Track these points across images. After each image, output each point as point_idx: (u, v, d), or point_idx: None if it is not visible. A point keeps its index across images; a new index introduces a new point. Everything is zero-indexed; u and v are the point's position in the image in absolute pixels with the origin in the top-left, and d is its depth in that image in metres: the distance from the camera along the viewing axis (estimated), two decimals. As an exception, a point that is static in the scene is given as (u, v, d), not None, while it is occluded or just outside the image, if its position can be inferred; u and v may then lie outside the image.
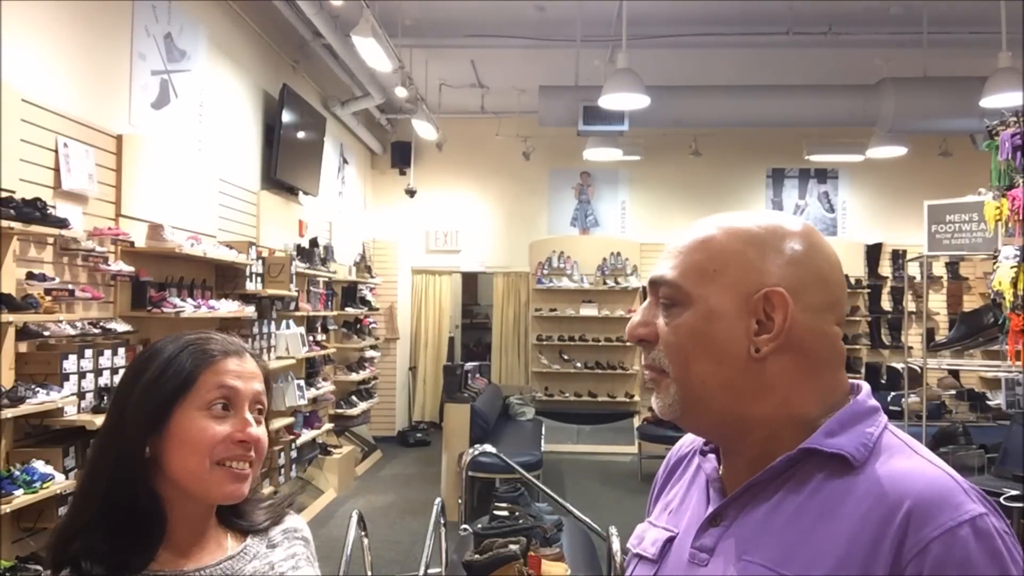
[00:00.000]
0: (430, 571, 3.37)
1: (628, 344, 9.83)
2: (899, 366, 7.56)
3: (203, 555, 1.05)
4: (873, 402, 0.88)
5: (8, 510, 3.00)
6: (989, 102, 5.32)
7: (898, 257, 9.11)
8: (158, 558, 1.00)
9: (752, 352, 0.85)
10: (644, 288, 8.97)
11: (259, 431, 1.05)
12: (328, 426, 7.04)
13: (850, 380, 0.93)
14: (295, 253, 6.28)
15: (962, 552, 0.74)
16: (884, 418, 0.87)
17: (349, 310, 7.98)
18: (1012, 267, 3.65)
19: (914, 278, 7.38)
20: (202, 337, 1.08)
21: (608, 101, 5.79)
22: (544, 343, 9.31)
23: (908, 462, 0.81)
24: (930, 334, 7.09)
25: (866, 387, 0.90)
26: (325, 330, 7.28)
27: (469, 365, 7.68)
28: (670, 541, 0.93)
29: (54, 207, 3.44)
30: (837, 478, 0.82)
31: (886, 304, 9.36)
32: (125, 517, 0.98)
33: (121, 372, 3.79)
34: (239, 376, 1.05)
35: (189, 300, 4.47)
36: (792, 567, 0.78)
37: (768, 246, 0.87)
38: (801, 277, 0.86)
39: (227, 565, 1.06)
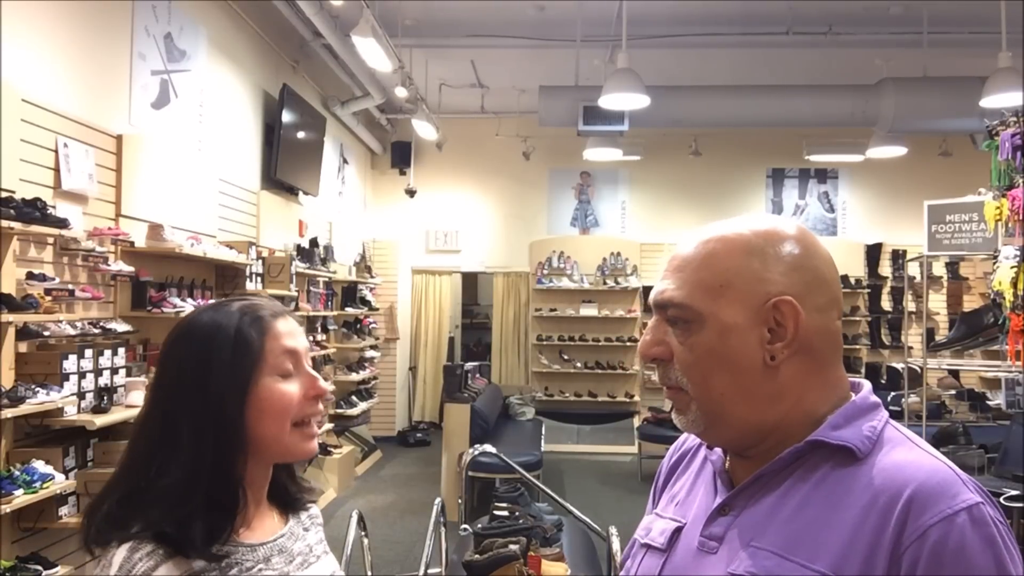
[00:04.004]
0: (430, 571, 3.37)
1: (628, 344, 9.76)
2: (899, 366, 7.56)
3: (263, 530, 1.11)
4: (875, 398, 0.91)
5: (8, 510, 3.01)
6: (989, 102, 5.32)
7: (898, 257, 9.11)
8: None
9: (768, 360, 0.88)
10: (643, 288, 9.04)
11: (323, 382, 1.12)
12: (328, 426, 7.03)
13: (852, 379, 0.96)
14: (295, 253, 6.28)
15: (958, 538, 0.76)
16: (885, 413, 0.90)
17: (349, 310, 7.98)
18: (1012, 267, 3.65)
19: (914, 278, 7.38)
20: (249, 303, 1.11)
21: (608, 101, 5.79)
22: (544, 343, 9.31)
23: (910, 454, 0.85)
24: (930, 334, 7.08)
25: (867, 384, 0.93)
26: (325, 330, 7.28)
27: (469, 365, 7.67)
28: (678, 531, 0.95)
29: (54, 207, 3.44)
30: (842, 469, 0.85)
31: (886, 304, 9.36)
32: (214, 496, 1.01)
33: (121, 372, 3.79)
34: (292, 335, 1.10)
35: (189, 300, 4.47)
36: (799, 553, 0.81)
37: (768, 255, 0.89)
38: (805, 281, 0.89)
39: (281, 542, 1.12)
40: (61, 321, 3.48)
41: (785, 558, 0.82)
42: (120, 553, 0.97)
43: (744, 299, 0.87)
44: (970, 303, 8.26)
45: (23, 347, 3.39)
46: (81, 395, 3.53)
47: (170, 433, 1.03)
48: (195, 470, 1.01)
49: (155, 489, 1.00)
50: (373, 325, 8.72)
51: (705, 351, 0.88)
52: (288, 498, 1.18)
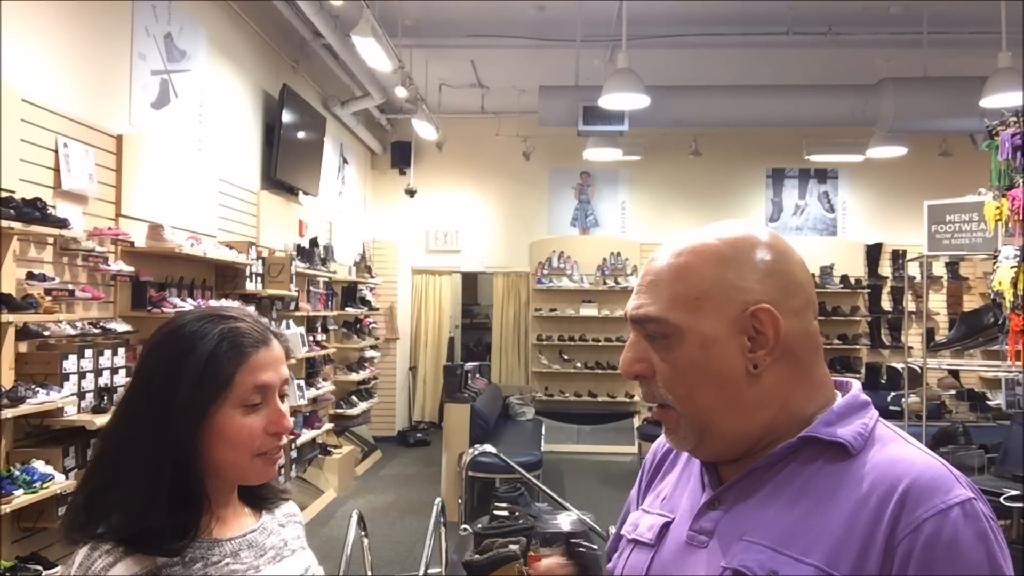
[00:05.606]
0: (430, 571, 3.37)
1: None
2: (899, 366, 7.55)
3: (233, 526, 1.13)
4: (865, 397, 0.92)
5: (8, 510, 3.00)
6: (989, 102, 5.32)
7: (898, 257, 9.10)
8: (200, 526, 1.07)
9: (750, 368, 0.88)
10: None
11: (289, 419, 1.12)
12: (328, 426, 7.03)
13: (841, 379, 0.96)
14: (295, 253, 6.28)
15: (952, 531, 0.78)
16: (875, 412, 0.91)
17: (349, 310, 7.98)
18: (1012, 267, 3.65)
19: (914, 278, 7.38)
20: (233, 326, 1.09)
21: (608, 101, 5.79)
22: (544, 343, 9.31)
23: (902, 450, 0.86)
24: (930, 334, 7.08)
25: (857, 384, 0.94)
26: (325, 330, 7.27)
27: (469, 365, 7.67)
28: (666, 526, 0.95)
29: (54, 207, 3.44)
30: (835, 464, 0.85)
31: (886, 304, 9.35)
32: (177, 497, 1.04)
33: (121, 372, 3.79)
34: (270, 367, 1.10)
35: (189, 300, 4.47)
36: (793, 547, 0.81)
37: (742, 263, 0.89)
38: (780, 286, 0.89)
39: (252, 537, 1.14)
40: (61, 321, 3.48)
41: (779, 552, 0.82)
42: (81, 551, 1.00)
43: (722, 310, 0.88)
44: (970, 303, 8.26)
45: (23, 347, 3.39)
46: (81, 395, 3.53)
47: (134, 439, 1.05)
48: (154, 480, 1.02)
49: (116, 496, 1.02)
50: (373, 325, 8.72)
51: (687, 365, 0.88)
52: (256, 498, 1.20)
